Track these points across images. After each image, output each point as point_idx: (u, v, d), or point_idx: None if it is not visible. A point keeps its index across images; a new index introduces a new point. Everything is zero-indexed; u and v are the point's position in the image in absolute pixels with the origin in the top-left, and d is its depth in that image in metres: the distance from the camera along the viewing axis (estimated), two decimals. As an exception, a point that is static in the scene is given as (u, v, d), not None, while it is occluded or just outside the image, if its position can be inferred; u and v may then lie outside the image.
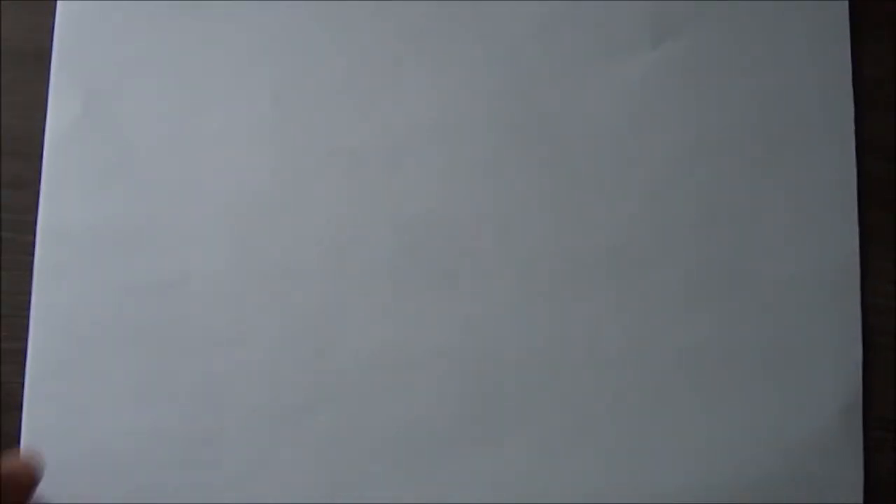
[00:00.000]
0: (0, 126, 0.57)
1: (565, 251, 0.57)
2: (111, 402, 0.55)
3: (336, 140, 0.57)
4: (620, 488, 0.55)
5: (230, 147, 0.57)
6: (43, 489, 0.54)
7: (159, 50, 0.57)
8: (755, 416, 0.56)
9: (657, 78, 0.58)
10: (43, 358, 0.55)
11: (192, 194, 0.56)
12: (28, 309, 0.55)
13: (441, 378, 0.56)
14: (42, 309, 0.55)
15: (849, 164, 0.58)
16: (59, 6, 0.57)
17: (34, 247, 0.56)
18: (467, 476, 0.55)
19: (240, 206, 0.56)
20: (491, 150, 0.57)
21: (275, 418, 0.55)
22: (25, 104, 0.57)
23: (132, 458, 0.55)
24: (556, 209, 0.57)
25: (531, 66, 0.58)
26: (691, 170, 0.57)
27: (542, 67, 0.58)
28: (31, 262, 0.56)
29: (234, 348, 0.56)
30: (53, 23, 0.57)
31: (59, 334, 0.55)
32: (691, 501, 0.55)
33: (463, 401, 0.56)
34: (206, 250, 0.56)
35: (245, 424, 0.55)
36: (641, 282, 0.57)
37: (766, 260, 0.57)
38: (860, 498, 0.55)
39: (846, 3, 0.59)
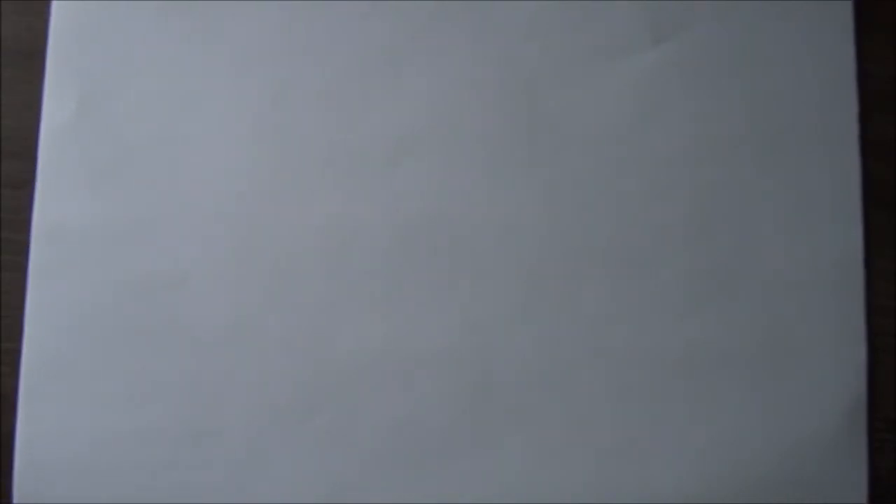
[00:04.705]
0: (-4, 126, 0.58)
1: (564, 251, 0.57)
2: (107, 402, 0.55)
3: (335, 140, 0.57)
4: (620, 488, 0.55)
5: (227, 146, 0.57)
6: (39, 489, 0.54)
7: (154, 49, 0.57)
8: (758, 417, 0.55)
9: (657, 78, 0.58)
10: (38, 357, 0.55)
11: (188, 193, 0.56)
12: (23, 308, 0.55)
13: (440, 378, 0.56)
14: (37, 308, 0.55)
15: (852, 164, 0.57)
16: (54, 6, 0.57)
17: (29, 246, 0.56)
18: (466, 476, 0.55)
19: (237, 205, 0.56)
20: (490, 150, 0.57)
21: (273, 418, 0.55)
22: (21, 104, 0.57)
23: (129, 458, 0.55)
24: (555, 209, 0.57)
25: (531, 66, 0.58)
26: (692, 169, 0.57)
27: (542, 67, 0.58)
28: (27, 262, 0.56)
29: (232, 348, 0.56)
30: (48, 23, 0.57)
31: (54, 334, 0.55)
32: (694, 502, 0.55)
33: (462, 401, 0.55)
34: (203, 249, 0.56)
35: (243, 424, 0.55)
36: (642, 282, 0.56)
37: (768, 260, 0.57)
38: (864, 498, 0.55)
39: (850, 3, 0.58)
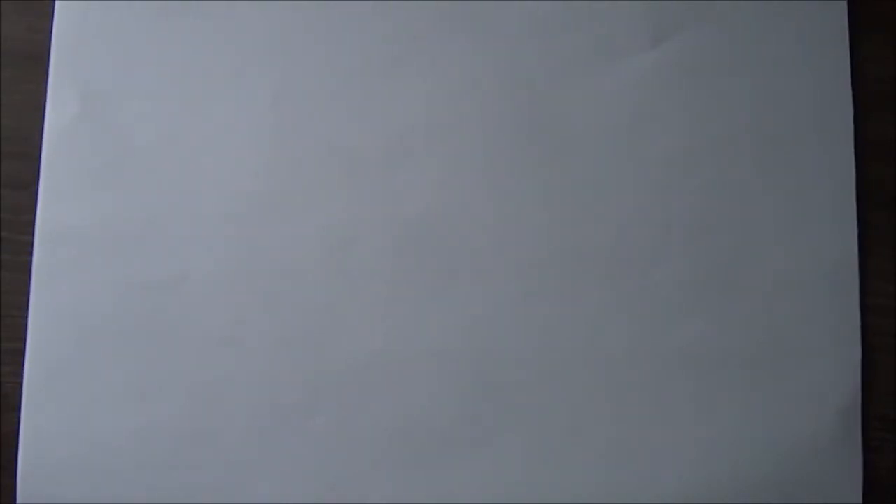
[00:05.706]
0: (-1, 126, 0.58)
1: (563, 251, 0.57)
2: (110, 402, 0.55)
3: (335, 140, 0.57)
4: (619, 488, 0.55)
5: (229, 147, 0.57)
6: (43, 488, 0.54)
7: (157, 50, 0.57)
8: (754, 417, 0.56)
9: (657, 78, 0.58)
10: (42, 358, 0.55)
11: (190, 194, 0.56)
12: (27, 309, 0.56)
13: (439, 378, 0.56)
14: (41, 309, 0.55)
15: (847, 164, 0.57)
16: (58, 7, 0.57)
17: (32, 247, 0.56)
18: (466, 476, 0.55)
19: (238, 205, 0.57)
20: (490, 150, 0.57)
21: (273, 418, 0.55)
22: (24, 104, 0.57)
23: (131, 458, 0.55)
24: (554, 209, 0.57)
25: (530, 67, 0.58)
26: (690, 170, 0.57)
27: (542, 67, 0.58)
28: (30, 262, 0.56)
29: (233, 348, 0.56)
30: (52, 24, 0.57)
31: (57, 334, 0.55)
32: (690, 502, 0.55)
33: (461, 401, 0.56)
34: (205, 250, 0.56)
35: (243, 424, 0.55)
36: (640, 282, 0.57)
37: (764, 260, 0.57)
38: (859, 498, 0.55)
39: (844, 4, 0.58)
